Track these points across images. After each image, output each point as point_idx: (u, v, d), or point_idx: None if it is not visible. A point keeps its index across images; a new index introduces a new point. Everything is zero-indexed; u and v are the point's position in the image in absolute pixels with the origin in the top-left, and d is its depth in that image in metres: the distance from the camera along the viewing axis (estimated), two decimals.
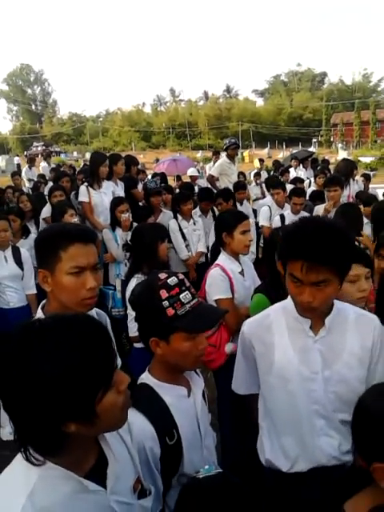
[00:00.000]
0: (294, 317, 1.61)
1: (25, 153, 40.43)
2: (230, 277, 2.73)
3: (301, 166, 10.72)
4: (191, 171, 9.54)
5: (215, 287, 2.74)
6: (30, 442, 0.94)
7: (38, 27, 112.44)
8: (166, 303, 1.36)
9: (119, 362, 1.94)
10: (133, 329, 2.80)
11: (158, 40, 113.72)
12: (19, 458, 0.97)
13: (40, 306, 1.67)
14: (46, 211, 5.09)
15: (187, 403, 1.48)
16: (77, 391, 0.90)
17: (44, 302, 1.67)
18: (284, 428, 1.67)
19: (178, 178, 10.41)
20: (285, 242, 1.51)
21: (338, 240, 1.41)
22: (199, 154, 35.17)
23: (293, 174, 9.81)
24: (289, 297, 1.64)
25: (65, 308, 1.53)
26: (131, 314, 2.77)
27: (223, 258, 2.85)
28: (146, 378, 1.48)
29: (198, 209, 5.28)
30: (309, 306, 1.48)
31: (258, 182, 9.16)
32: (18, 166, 20.17)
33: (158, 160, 25.86)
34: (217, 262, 2.87)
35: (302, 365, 1.59)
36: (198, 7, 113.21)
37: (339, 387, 1.57)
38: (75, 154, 42.12)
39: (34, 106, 72.58)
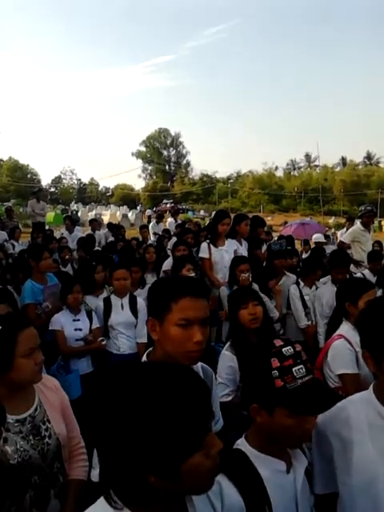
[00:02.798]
0: (376, 410, 1.45)
1: (154, 208, 43.97)
2: (356, 350, 2.60)
3: None
4: (316, 237, 9.39)
5: (340, 360, 2.65)
6: (112, 487, 0.98)
7: (176, 93, 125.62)
8: (275, 373, 1.33)
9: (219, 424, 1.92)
10: (218, 393, 2.74)
11: (292, 106, 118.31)
12: (101, 501, 1.01)
13: (146, 353, 1.74)
14: (167, 264, 5.42)
15: (285, 480, 1.39)
16: (165, 447, 0.90)
17: (150, 349, 1.74)
18: None
19: (306, 242, 10.32)
20: None
21: None
22: (332, 220, 34.57)
23: None
24: (370, 388, 1.52)
25: (170, 358, 1.57)
26: (217, 378, 2.69)
27: (346, 329, 2.74)
28: (241, 444, 1.44)
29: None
30: None
31: None
32: (149, 217, 21.96)
33: (286, 223, 26.01)
34: (339, 332, 2.76)
35: None
36: (343, 74, 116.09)
37: None
38: (202, 212, 44.43)
39: (167, 167, 79.33)
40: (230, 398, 2.76)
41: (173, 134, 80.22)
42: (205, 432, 0.95)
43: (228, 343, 2.97)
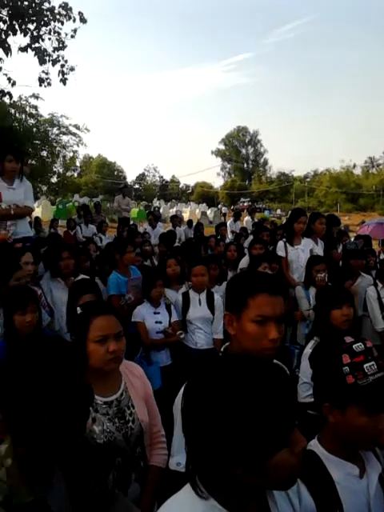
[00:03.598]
0: None
1: (231, 207, 43.86)
2: None
3: None
4: None
5: None
6: (200, 475, 0.99)
7: (255, 90, 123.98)
8: (346, 369, 1.30)
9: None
10: (302, 394, 2.69)
11: (372, 102, 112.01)
12: (188, 488, 1.03)
13: (222, 348, 1.75)
14: (244, 262, 5.40)
15: (358, 485, 1.34)
16: (253, 442, 0.90)
17: (227, 344, 1.74)
18: None
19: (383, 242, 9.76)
20: None
21: None
22: None
23: None
24: None
25: (246, 353, 1.58)
26: (302, 377, 2.68)
27: None
28: (314, 445, 1.41)
29: None
30: None
31: None
32: (225, 215, 21.87)
33: (363, 222, 24.79)
34: None
35: None
36: None
37: None
38: (279, 211, 43.59)
39: (245, 165, 78.64)
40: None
41: (251, 131, 79.45)
42: (291, 429, 0.95)
43: (312, 342, 2.89)
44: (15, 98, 13.43)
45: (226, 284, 4.71)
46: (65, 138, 20.89)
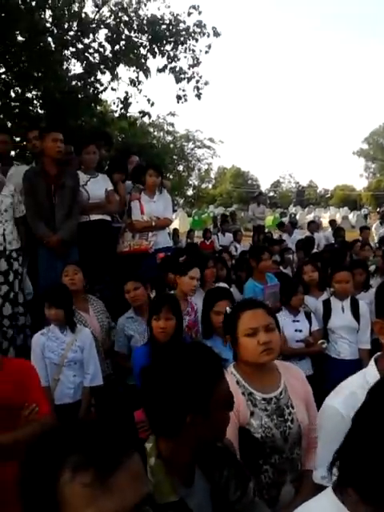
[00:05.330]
0: None
1: (377, 209, 40.98)
2: None
3: None
4: None
5: None
6: (355, 485, 0.95)
7: None
8: None
9: None
10: None
11: None
12: (329, 492, 1.00)
13: (373, 358, 1.64)
14: None
15: None
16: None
17: (378, 354, 1.63)
18: None
19: None
20: None
21: None
22: None
23: None
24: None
25: None
26: None
27: None
28: None
29: None
30: None
31: None
32: (366, 216, 20.56)
33: None
34: None
35: None
36: None
37: None
38: None
39: None
40: None
41: None
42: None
43: None
44: (153, 118, 14.49)
45: (373, 291, 4.42)
46: (199, 151, 21.87)
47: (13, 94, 8.75)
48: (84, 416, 3.04)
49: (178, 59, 8.99)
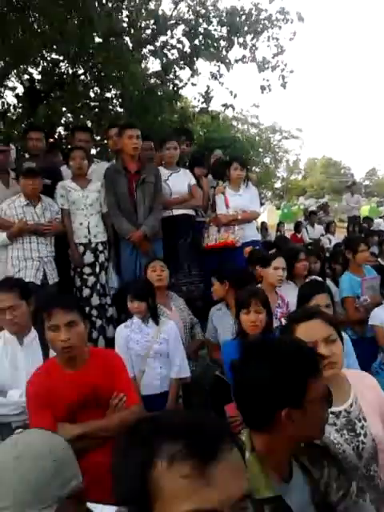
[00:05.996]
0: None
1: None
2: None
3: None
4: None
5: None
6: None
7: None
8: None
9: None
10: None
11: None
12: None
13: None
14: None
15: None
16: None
17: None
18: None
19: None
20: None
21: None
22: None
23: None
24: None
25: None
26: None
27: None
28: None
29: None
30: None
31: None
32: None
33: None
34: None
35: None
36: None
37: None
38: None
39: None
40: None
41: None
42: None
43: None
44: (237, 110, 14.41)
45: None
46: (287, 142, 21.37)
47: (92, 95, 9.09)
48: (172, 407, 3.07)
49: (257, 48, 8.77)
